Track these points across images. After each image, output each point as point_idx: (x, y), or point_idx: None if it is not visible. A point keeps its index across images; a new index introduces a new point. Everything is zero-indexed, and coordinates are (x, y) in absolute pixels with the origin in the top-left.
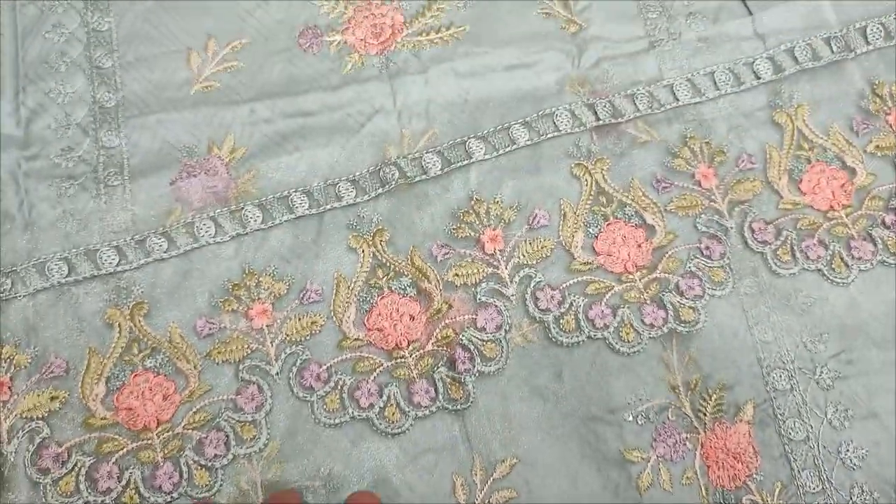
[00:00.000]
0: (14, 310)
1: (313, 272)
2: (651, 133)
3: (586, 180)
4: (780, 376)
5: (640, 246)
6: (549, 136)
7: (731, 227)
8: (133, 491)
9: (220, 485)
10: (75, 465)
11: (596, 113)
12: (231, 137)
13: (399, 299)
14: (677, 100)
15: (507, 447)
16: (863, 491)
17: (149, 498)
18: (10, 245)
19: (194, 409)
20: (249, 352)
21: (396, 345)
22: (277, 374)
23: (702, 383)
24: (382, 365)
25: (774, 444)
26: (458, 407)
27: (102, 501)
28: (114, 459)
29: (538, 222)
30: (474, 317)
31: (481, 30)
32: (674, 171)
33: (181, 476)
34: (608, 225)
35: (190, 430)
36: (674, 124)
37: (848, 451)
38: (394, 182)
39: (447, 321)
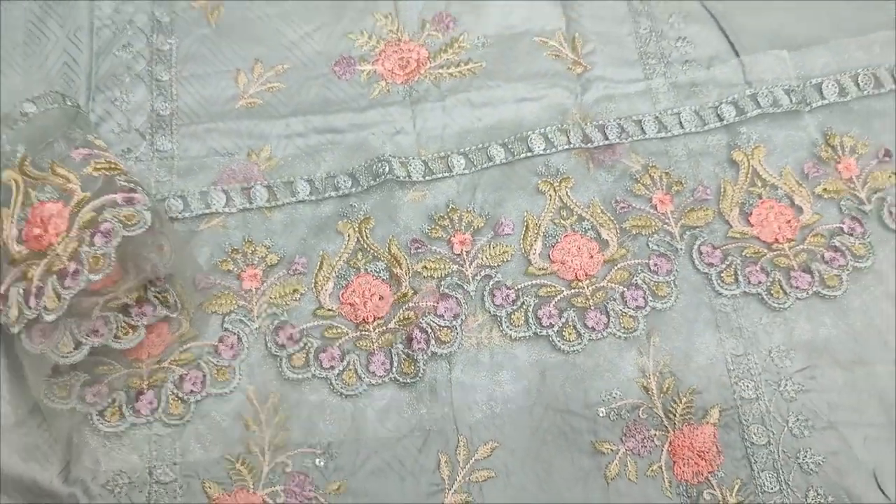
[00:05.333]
0: None
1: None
2: (638, 160)
3: (550, 195)
4: (747, 386)
5: (591, 257)
6: (521, 156)
7: (681, 249)
8: None
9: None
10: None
11: (568, 137)
12: (268, 147)
13: (372, 280)
14: (644, 132)
15: (490, 431)
16: (818, 494)
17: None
18: None
19: (181, 350)
20: (236, 307)
21: (364, 319)
22: (257, 329)
23: (674, 388)
24: (348, 335)
25: (737, 447)
26: (407, 380)
27: None
28: None
29: (503, 230)
30: (436, 305)
31: (496, 66)
32: (633, 195)
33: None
34: (565, 236)
35: (174, 366)
36: (641, 154)
37: (806, 457)
38: (383, 176)
39: (410, 305)
